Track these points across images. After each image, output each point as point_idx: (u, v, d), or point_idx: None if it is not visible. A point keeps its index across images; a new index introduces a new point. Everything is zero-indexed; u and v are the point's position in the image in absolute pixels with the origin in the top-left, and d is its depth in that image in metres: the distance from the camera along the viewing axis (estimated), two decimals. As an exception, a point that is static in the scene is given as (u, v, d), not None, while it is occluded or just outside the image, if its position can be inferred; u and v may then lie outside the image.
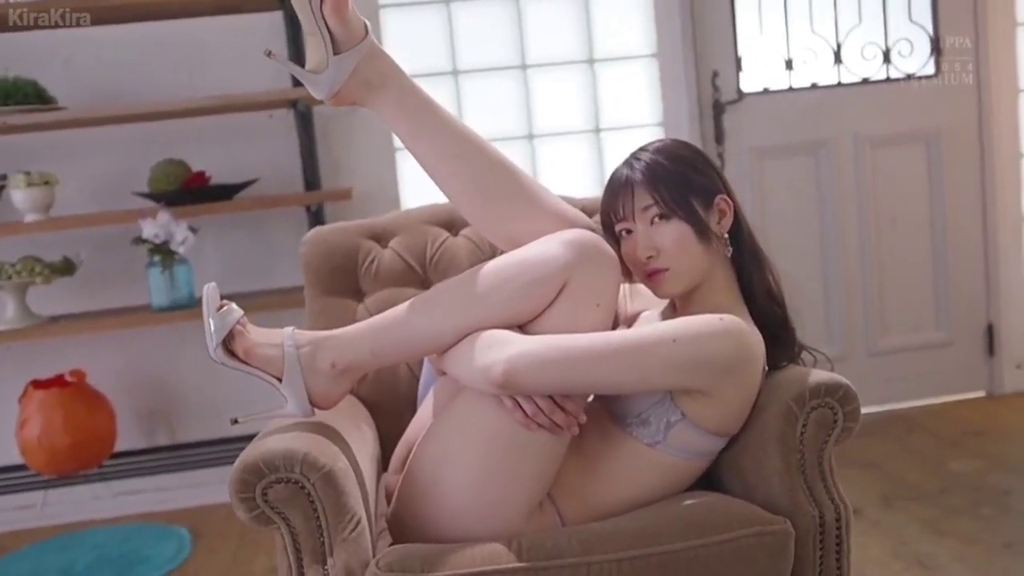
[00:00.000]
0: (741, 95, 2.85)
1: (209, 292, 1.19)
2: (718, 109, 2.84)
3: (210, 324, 1.17)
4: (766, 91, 2.89)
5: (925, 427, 2.79)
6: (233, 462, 1.12)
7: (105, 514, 2.64)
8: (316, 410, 1.21)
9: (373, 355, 1.21)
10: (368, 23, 1.21)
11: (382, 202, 2.64)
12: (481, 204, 1.24)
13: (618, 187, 1.27)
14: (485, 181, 1.23)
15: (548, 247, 1.18)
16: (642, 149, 1.29)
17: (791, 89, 2.90)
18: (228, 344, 1.18)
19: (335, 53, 1.18)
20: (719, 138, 2.85)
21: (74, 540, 2.48)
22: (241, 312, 1.20)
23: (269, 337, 1.20)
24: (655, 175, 1.25)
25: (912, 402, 3.00)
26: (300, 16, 1.17)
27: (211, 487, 2.63)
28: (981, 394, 3.06)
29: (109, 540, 2.46)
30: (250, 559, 2.23)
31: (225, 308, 1.19)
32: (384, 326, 1.22)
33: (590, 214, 1.62)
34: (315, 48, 1.18)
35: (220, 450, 2.62)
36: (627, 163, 1.29)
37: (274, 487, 1.10)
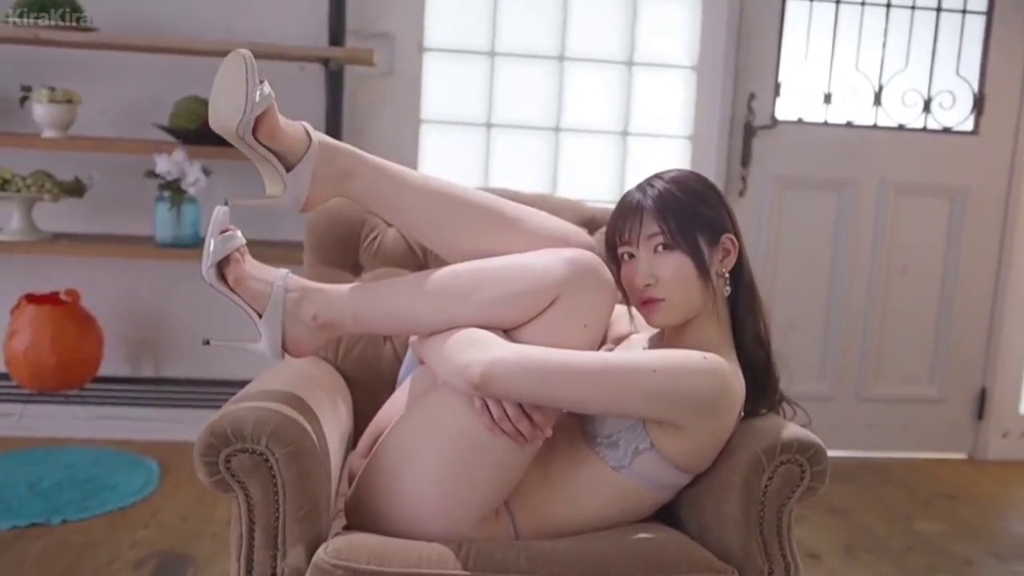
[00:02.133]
0: (775, 122, 2.83)
1: (219, 214, 1.20)
2: (749, 132, 2.82)
3: (211, 243, 1.20)
4: (800, 121, 2.87)
5: (901, 481, 2.80)
6: (213, 405, 1.14)
7: (80, 435, 2.67)
8: (286, 355, 1.24)
9: (354, 318, 1.24)
10: (308, 125, 1.21)
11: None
12: (476, 248, 1.25)
13: (628, 210, 1.28)
14: (476, 228, 1.25)
15: (547, 259, 1.19)
16: (657, 176, 1.29)
17: (826, 123, 2.89)
18: (222, 268, 1.21)
19: (288, 170, 1.18)
20: (745, 161, 2.83)
21: (46, 456, 2.52)
22: (243, 241, 1.23)
23: (263, 273, 1.23)
24: (666, 205, 1.25)
25: (892, 453, 3.01)
26: (243, 151, 1.17)
27: (187, 425, 2.64)
28: (963, 456, 3.06)
29: (80, 461, 2.49)
30: (213, 504, 2.25)
31: (229, 233, 1.21)
32: (371, 294, 1.25)
33: (600, 224, 1.64)
34: (268, 174, 1.20)
35: (201, 391, 2.64)
36: (640, 188, 1.29)
37: (238, 456, 1.12)
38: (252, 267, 1.23)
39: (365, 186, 1.24)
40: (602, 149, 2.91)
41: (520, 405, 1.14)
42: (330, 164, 1.21)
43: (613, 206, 1.33)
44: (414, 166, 2.74)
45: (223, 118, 1.14)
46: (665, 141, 2.91)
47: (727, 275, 1.28)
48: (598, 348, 1.28)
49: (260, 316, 1.22)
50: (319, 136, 1.21)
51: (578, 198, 1.89)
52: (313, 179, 1.19)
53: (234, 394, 1.26)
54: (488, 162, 2.84)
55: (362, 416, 1.53)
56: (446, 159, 2.84)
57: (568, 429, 1.26)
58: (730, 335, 1.29)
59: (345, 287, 1.26)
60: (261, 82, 1.15)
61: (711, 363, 1.18)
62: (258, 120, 1.15)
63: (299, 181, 1.19)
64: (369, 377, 1.62)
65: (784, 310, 2.85)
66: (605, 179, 2.90)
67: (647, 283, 1.25)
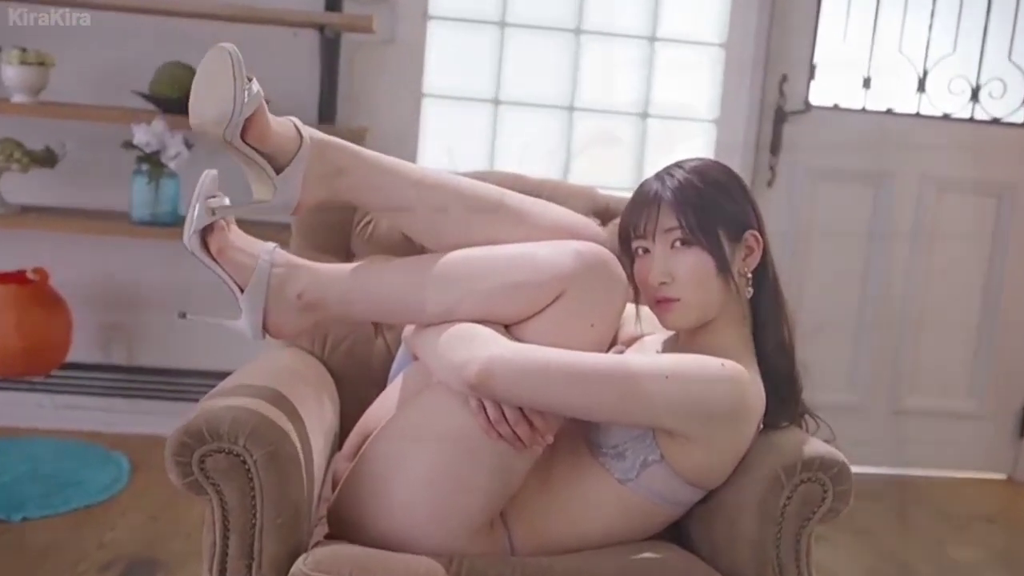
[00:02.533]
0: (808, 106, 2.83)
1: (206, 179, 1.21)
2: (780, 117, 2.82)
3: (195, 209, 1.21)
4: (836, 107, 2.86)
5: (934, 502, 2.80)
6: (188, 398, 1.15)
7: (45, 425, 2.68)
8: (267, 336, 1.24)
9: (341, 301, 1.25)
10: (297, 121, 1.21)
11: (399, 152, 2.61)
12: (476, 245, 1.26)
13: (644, 202, 1.28)
14: (476, 224, 1.26)
15: (553, 250, 1.20)
16: (677, 165, 1.29)
17: (864, 110, 2.88)
18: (205, 236, 1.21)
19: (278, 172, 1.18)
20: (775, 148, 2.83)
21: (8, 447, 2.54)
22: (230, 207, 1.23)
23: (249, 245, 1.24)
24: (685, 197, 1.25)
25: (925, 471, 3.00)
26: (231, 155, 1.17)
27: (160, 418, 2.62)
28: (1002, 477, 3.06)
29: (44, 453, 2.51)
30: (187, 504, 2.26)
31: (216, 199, 1.21)
32: (362, 276, 1.26)
33: (615, 214, 1.64)
34: (257, 177, 1.19)
35: (177, 382, 2.66)
36: (659, 177, 1.29)
37: (213, 456, 1.12)
38: (238, 238, 1.24)
39: (358, 183, 1.24)
40: (619, 131, 2.91)
41: (520, 408, 1.15)
42: (321, 162, 1.21)
43: (629, 195, 1.34)
44: (414, 143, 2.75)
45: (207, 122, 1.13)
46: (688, 125, 2.90)
47: (749, 275, 1.28)
48: (607, 350, 1.29)
49: (242, 291, 1.22)
50: (310, 132, 1.21)
51: (590, 184, 1.89)
52: (304, 180, 1.20)
53: (212, 386, 1.27)
54: (494, 142, 2.84)
55: (349, 415, 1.54)
56: (449, 137, 2.83)
57: (571, 436, 1.27)
58: (750, 340, 1.30)
59: (335, 267, 1.28)
60: (249, 80, 1.14)
61: (729, 370, 1.18)
62: (247, 122, 1.14)
63: (290, 183, 1.19)
64: (358, 373, 1.63)
65: (812, 313, 2.85)
66: (622, 165, 2.90)
67: (662, 281, 1.25)
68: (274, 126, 1.18)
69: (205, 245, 1.21)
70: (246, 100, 1.13)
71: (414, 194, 1.26)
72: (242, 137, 1.15)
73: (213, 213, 1.20)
